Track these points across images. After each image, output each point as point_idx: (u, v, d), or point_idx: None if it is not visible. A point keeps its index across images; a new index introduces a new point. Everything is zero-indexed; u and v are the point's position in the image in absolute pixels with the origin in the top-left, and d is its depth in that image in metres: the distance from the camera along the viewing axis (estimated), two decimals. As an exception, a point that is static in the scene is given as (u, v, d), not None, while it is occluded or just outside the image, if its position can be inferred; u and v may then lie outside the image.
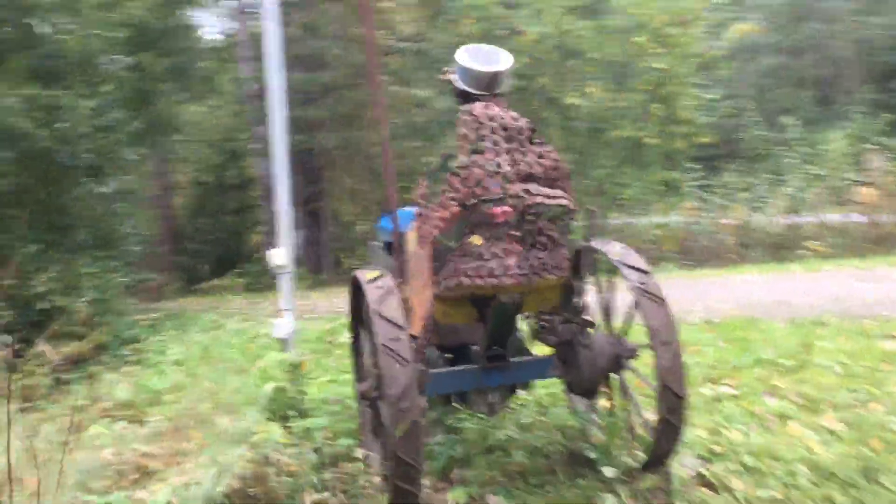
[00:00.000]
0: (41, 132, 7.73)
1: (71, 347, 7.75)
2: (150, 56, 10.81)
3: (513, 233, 3.05)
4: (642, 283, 3.04)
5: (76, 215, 9.03)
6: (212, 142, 20.53)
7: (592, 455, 3.45)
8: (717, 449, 3.54)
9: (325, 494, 3.43)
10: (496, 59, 3.34)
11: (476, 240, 3.06)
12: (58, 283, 8.00)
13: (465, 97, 3.33)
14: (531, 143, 3.19)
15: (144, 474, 4.19)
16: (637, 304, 3.02)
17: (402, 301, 2.99)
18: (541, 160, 3.14)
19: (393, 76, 16.99)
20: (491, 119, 3.15)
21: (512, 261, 3.02)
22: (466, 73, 3.31)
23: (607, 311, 3.35)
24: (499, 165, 3.06)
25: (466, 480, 3.46)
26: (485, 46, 3.45)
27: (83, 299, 8.20)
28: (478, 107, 3.21)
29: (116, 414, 5.80)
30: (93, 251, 9.08)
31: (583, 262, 3.45)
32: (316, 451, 3.86)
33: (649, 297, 3.00)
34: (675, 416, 3.01)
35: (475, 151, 3.09)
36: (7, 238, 7.92)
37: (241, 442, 4.11)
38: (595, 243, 3.29)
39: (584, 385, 3.34)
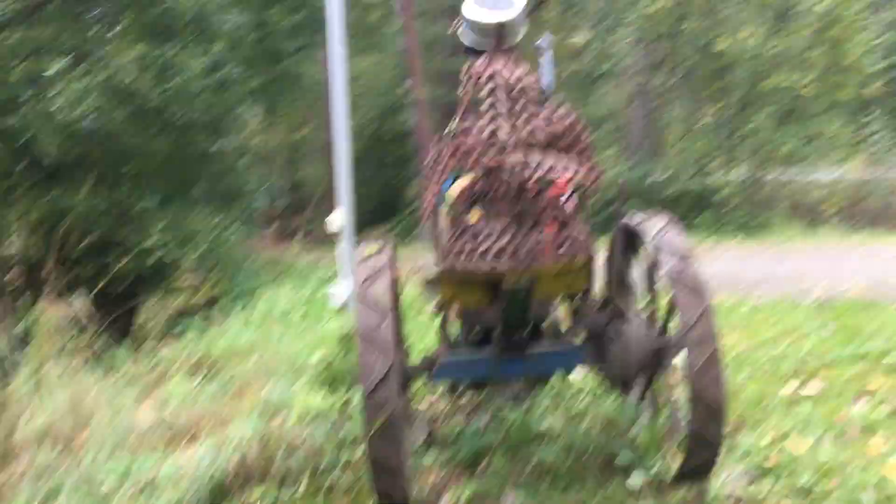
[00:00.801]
0: (154, 90, 7.98)
1: (183, 300, 8.05)
2: (278, 12, 10.93)
3: (510, 210, 2.70)
4: (679, 271, 2.63)
5: (194, 171, 9.34)
6: (376, 93, 20.47)
7: (627, 458, 3.10)
8: (774, 462, 3.07)
9: (338, 474, 3.27)
10: (504, 6, 2.92)
11: (473, 215, 2.73)
12: (173, 238, 8.32)
13: (475, 53, 2.95)
14: (542, 104, 2.80)
15: (190, 437, 4.23)
16: (672, 295, 2.62)
17: (393, 282, 2.73)
18: (551, 126, 2.74)
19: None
20: (491, 77, 2.77)
21: (506, 242, 2.68)
22: (471, 25, 2.93)
23: (652, 298, 2.95)
24: (494, 132, 2.69)
25: (489, 474, 3.21)
26: None
27: (197, 253, 8.49)
28: (477, 63, 2.83)
29: (199, 369, 5.98)
30: (211, 205, 9.38)
31: (617, 241, 3.06)
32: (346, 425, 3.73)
33: (685, 287, 2.59)
34: (710, 429, 2.60)
35: (471, 115, 2.73)
36: (123, 194, 8.28)
37: (277, 412, 4.07)
38: (632, 218, 2.89)
39: (616, 382, 2.98)
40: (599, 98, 20.08)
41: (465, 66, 2.85)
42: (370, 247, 2.88)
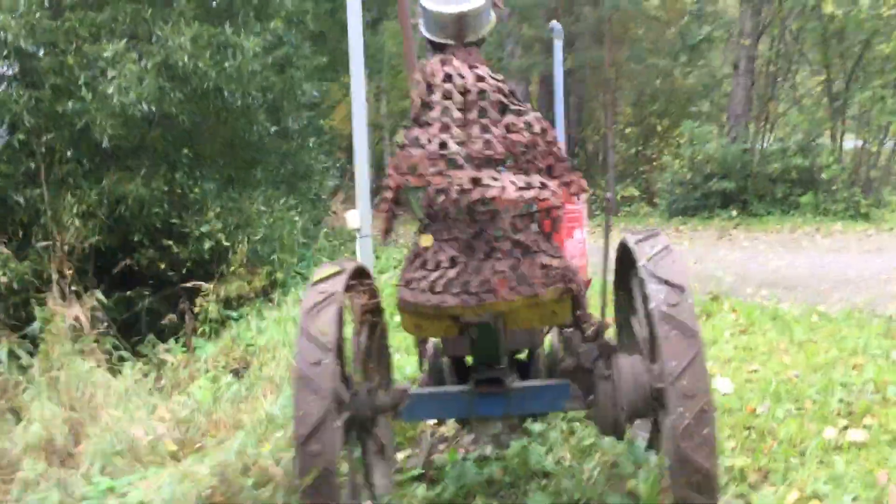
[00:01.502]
0: (211, 71, 7.84)
1: (239, 288, 7.90)
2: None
3: (461, 236, 2.27)
4: (669, 305, 2.14)
5: (255, 153, 9.22)
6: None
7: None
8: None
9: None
10: None
11: (425, 240, 2.32)
12: (231, 222, 8.22)
13: (435, 48, 2.48)
14: (511, 111, 2.32)
15: (196, 449, 4.00)
16: (657, 333, 2.15)
17: (341, 313, 2.35)
18: (513, 136, 2.27)
19: None
20: (446, 79, 2.32)
21: (455, 274, 2.25)
22: (428, 17, 2.45)
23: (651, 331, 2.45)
24: (443, 144, 2.25)
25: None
26: None
27: (257, 237, 8.36)
28: (432, 62, 2.38)
29: (233, 365, 5.80)
30: (272, 189, 9.24)
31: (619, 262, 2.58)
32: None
33: (673, 327, 2.11)
34: (698, 497, 2.11)
35: (420, 124, 2.30)
36: (181, 178, 8.22)
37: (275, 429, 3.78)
38: (630, 237, 2.40)
39: (606, 425, 2.51)
40: (702, 65, 19.01)
41: (420, 65, 2.42)
42: (326, 269, 2.51)
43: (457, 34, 2.42)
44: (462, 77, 2.31)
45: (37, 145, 7.14)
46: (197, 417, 4.32)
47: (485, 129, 2.28)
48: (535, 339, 2.73)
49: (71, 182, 7.59)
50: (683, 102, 20.11)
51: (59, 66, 7.47)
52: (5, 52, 7.37)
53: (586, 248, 4.09)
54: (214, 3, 8.47)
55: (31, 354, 4.78)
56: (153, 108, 7.51)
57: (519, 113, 2.33)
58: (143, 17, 7.82)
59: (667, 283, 2.18)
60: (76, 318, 4.83)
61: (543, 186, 2.26)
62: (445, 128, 2.27)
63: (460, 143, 2.25)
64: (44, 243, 7.09)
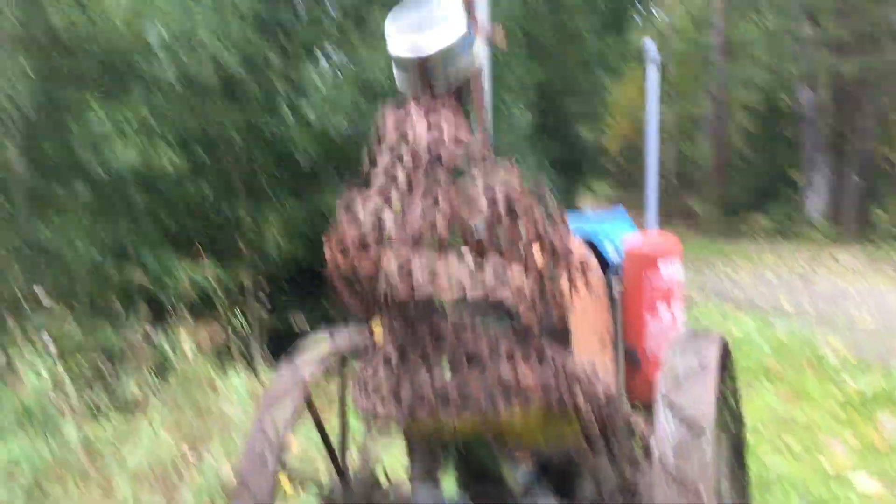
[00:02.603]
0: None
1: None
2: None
3: (397, 333, 1.84)
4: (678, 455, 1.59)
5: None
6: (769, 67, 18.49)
7: None
8: None
9: None
10: (429, 30, 1.89)
11: (377, 327, 1.91)
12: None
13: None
14: (466, 178, 1.83)
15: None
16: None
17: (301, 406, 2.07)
18: (463, 210, 1.78)
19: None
20: (398, 137, 1.85)
21: (389, 379, 1.83)
22: (394, 64, 1.98)
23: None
24: (380, 220, 1.76)
25: None
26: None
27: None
28: (391, 117, 1.92)
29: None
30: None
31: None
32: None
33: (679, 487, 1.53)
34: None
35: (366, 188, 1.89)
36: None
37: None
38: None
39: None
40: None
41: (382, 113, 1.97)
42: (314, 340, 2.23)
43: (423, 83, 1.91)
44: (418, 136, 1.83)
45: (237, 161, 7.45)
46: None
47: (434, 202, 1.78)
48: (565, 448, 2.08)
49: (272, 197, 7.84)
50: None
51: (262, 85, 7.75)
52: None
53: (681, 328, 3.14)
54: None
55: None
56: (348, 125, 7.52)
57: (482, 181, 1.79)
58: (347, 36, 7.89)
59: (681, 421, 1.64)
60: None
61: (500, 278, 1.73)
62: (387, 198, 1.81)
63: (401, 219, 1.78)
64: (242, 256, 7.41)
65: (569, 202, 16.28)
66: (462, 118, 1.94)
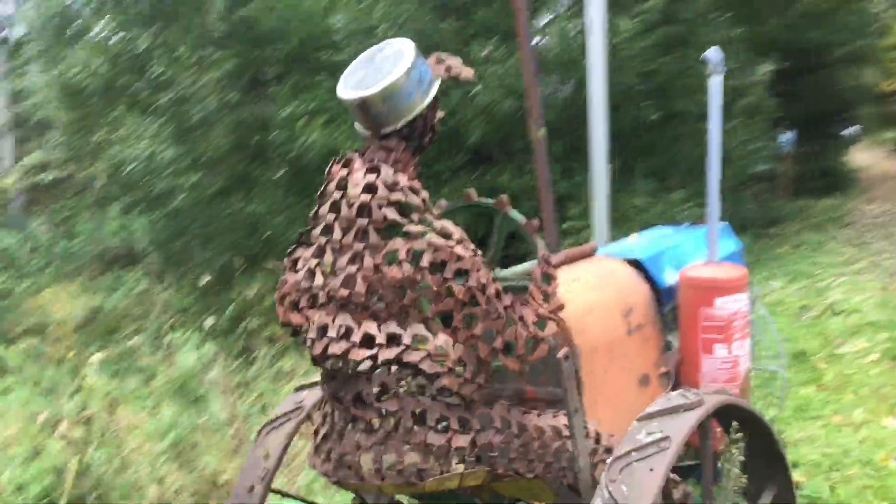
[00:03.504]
0: (581, 60, 7.55)
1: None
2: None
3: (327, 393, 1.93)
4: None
5: (637, 142, 8.61)
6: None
7: None
8: None
9: None
10: (374, 71, 1.89)
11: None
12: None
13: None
14: (396, 234, 1.83)
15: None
16: None
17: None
18: (384, 270, 1.77)
19: None
20: (339, 186, 1.88)
21: (322, 438, 1.93)
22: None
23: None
24: (312, 275, 1.84)
25: None
26: (395, 43, 1.97)
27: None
28: (336, 169, 1.94)
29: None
30: (658, 181, 8.58)
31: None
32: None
33: None
34: None
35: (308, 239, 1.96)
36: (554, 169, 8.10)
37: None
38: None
39: None
40: None
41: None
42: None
43: (368, 125, 1.91)
44: (352, 191, 1.84)
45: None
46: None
47: (354, 258, 1.80)
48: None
49: (443, 178, 8.09)
50: None
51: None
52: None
53: (742, 370, 2.79)
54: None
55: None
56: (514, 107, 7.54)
57: (410, 237, 1.78)
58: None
59: None
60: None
61: (415, 343, 1.76)
62: (321, 251, 1.87)
63: (330, 275, 1.84)
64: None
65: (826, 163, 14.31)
66: (410, 162, 1.94)
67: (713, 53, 2.79)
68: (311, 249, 1.90)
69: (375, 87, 1.84)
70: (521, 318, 1.85)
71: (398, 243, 1.79)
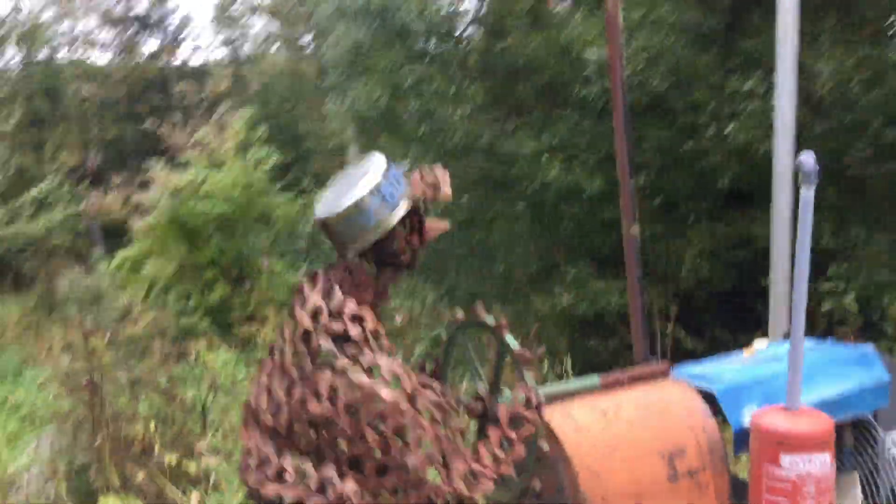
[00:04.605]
0: (861, 98, 6.52)
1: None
2: None
3: None
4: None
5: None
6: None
7: None
8: None
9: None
10: (339, 194, 1.82)
11: None
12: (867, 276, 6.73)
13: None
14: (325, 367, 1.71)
15: None
16: None
17: None
18: (305, 405, 1.70)
19: None
20: (297, 308, 1.82)
21: None
22: None
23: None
24: (269, 391, 1.81)
25: None
26: (371, 158, 1.86)
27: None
28: (297, 292, 1.88)
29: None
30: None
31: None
32: None
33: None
34: None
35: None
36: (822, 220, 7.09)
37: None
38: None
39: None
40: None
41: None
42: None
43: (332, 244, 1.85)
44: (300, 317, 1.79)
45: (655, 182, 7.28)
46: None
47: (289, 388, 1.74)
48: None
49: (689, 222, 7.48)
50: None
51: (688, 104, 7.38)
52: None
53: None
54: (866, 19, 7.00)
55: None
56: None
57: (336, 371, 1.67)
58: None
59: None
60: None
61: (326, 484, 1.65)
62: (271, 374, 1.83)
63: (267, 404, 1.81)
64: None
65: None
66: (371, 285, 1.85)
67: (806, 158, 2.25)
68: (270, 367, 1.86)
69: (335, 210, 1.80)
70: (447, 467, 1.64)
71: (323, 377, 1.70)
